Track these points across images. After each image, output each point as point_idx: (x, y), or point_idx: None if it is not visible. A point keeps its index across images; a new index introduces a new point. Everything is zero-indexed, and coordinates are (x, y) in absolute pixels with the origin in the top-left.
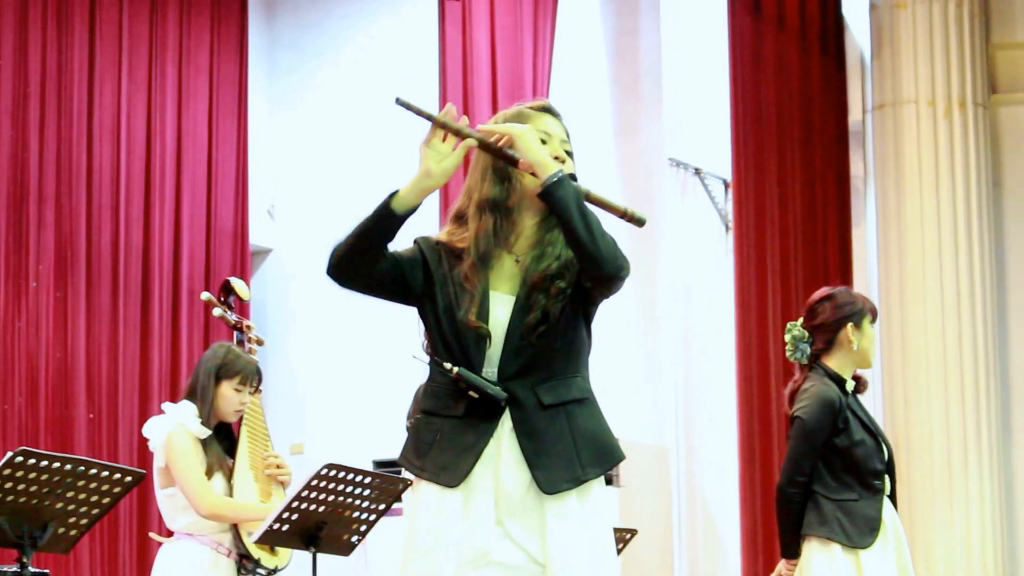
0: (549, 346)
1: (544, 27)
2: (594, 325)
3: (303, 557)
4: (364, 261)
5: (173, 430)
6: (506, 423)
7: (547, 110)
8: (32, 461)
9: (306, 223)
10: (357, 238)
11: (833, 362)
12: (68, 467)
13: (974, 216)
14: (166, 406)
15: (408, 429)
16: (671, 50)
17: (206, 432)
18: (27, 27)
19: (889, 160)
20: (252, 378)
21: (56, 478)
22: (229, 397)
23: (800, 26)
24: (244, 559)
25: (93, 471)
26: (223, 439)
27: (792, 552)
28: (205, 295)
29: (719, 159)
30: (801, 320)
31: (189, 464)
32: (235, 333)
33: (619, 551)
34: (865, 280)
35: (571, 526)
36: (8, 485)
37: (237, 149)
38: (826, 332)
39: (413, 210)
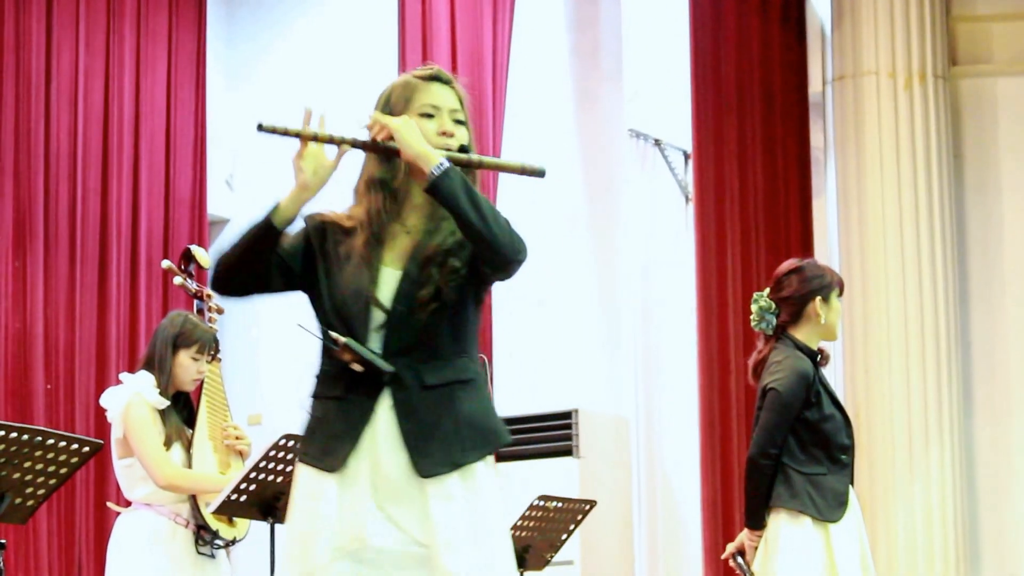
0: (436, 324)
1: None
2: (556, 296)
3: (261, 528)
4: (250, 274)
5: (131, 400)
6: (384, 403)
7: (436, 78)
8: None
9: (264, 193)
10: (241, 254)
11: (800, 334)
12: (25, 437)
13: (935, 188)
14: (124, 376)
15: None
16: (631, 20)
17: (164, 402)
18: None
19: (849, 132)
20: (209, 346)
21: (13, 448)
22: (187, 366)
23: None
24: (202, 530)
25: (50, 441)
26: (182, 409)
27: (757, 523)
28: (166, 263)
29: (679, 130)
30: (767, 291)
31: (147, 435)
32: (195, 302)
33: (578, 522)
34: (826, 251)
35: (454, 508)
36: None
37: (195, 118)
38: (792, 305)
39: (293, 221)
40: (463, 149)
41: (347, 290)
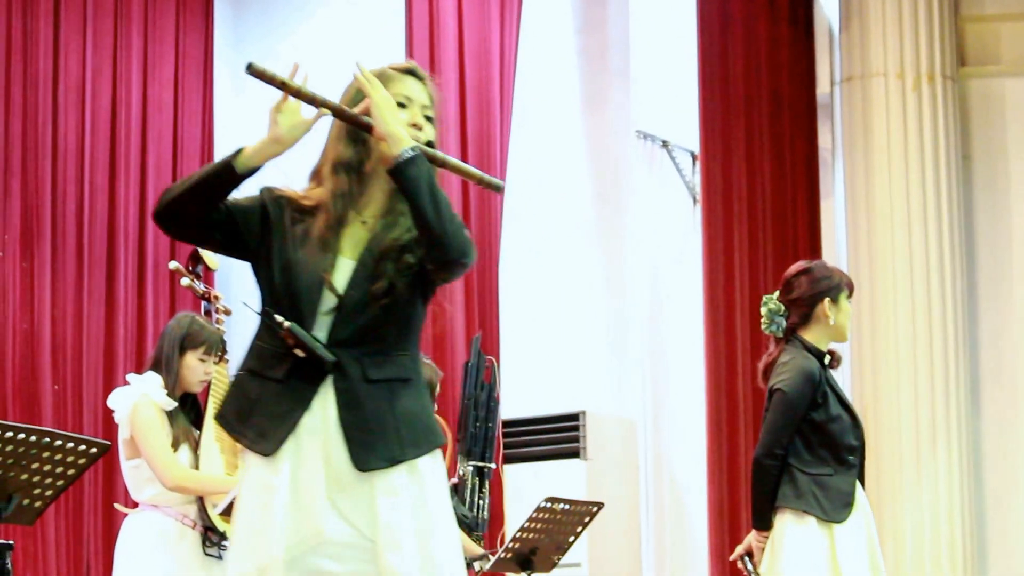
0: (385, 318)
1: None
2: (564, 297)
3: None
4: (193, 211)
5: (138, 401)
6: (326, 393)
7: (411, 72)
8: None
9: None
10: (191, 188)
11: (809, 335)
12: (33, 438)
13: (943, 189)
14: (131, 377)
15: (231, 385)
16: (639, 21)
17: (172, 403)
18: None
19: (857, 133)
20: (216, 347)
21: (20, 449)
22: (194, 367)
23: None
24: (209, 531)
25: (58, 442)
26: (189, 410)
27: (764, 524)
28: (173, 264)
29: (687, 131)
30: (777, 293)
31: (154, 436)
32: (202, 303)
33: (586, 524)
34: (834, 253)
35: (400, 503)
36: None
37: (202, 120)
38: (802, 306)
39: (254, 172)
40: (429, 145)
41: (302, 270)
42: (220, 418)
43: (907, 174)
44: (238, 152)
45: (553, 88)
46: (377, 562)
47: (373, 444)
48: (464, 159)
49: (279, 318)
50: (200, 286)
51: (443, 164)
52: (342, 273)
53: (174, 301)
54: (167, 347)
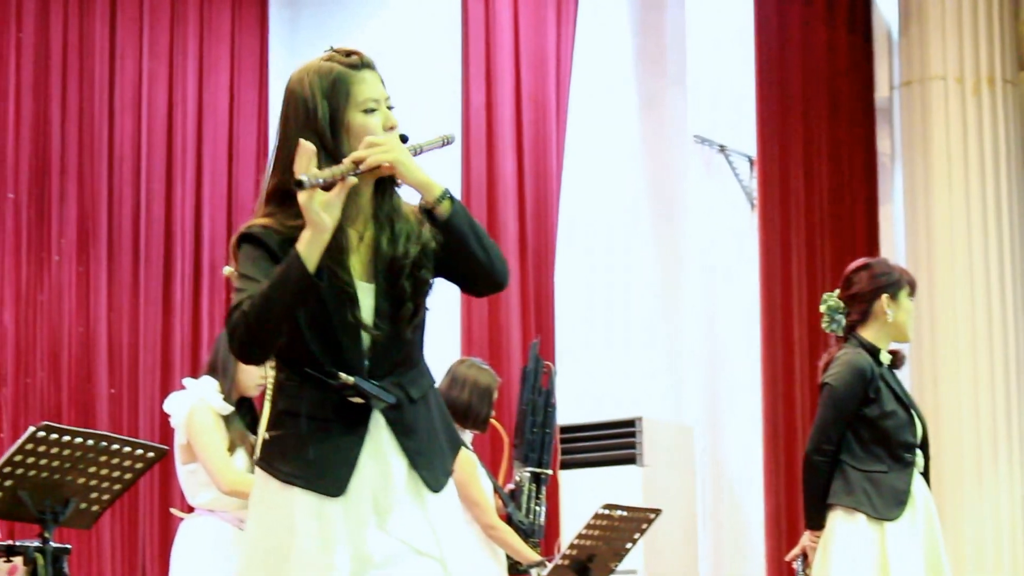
0: (413, 339)
1: (568, 1)
2: (620, 303)
3: None
4: (282, 332)
5: (195, 406)
6: (377, 423)
7: (365, 65)
8: (54, 436)
9: None
10: (284, 315)
11: (868, 333)
12: (91, 442)
13: (1003, 194)
14: (187, 382)
15: (269, 430)
16: (696, 25)
17: (228, 408)
18: (49, 0)
19: (916, 137)
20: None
21: (78, 453)
22: (250, 371)
23: (826, 1)
24: None
25: (115, 447)
26: (245, 414)
27: (816, 523)
28: (227, 269)
29: (744, 136)
30: (837, 291)
31: (211, 440)
32: None
33: (643, 531)
34: (892, 258)
35: (449, 514)
36: (31, 460)
37: (258, 123)
38: (861, 303)
39: (320, 267)
40: (403, 138)
41: (332, 315)
42: (264, 463)
43: (967, 178)
44: (300, 261)
45: (609, 92)
46: (440, 568)
47: (436, 464)
48: (519, 163)
49: (343, 375)
50: None
51: (420, 151)
52: (364, 300)
53: (230, 305)
54: (223, 351)
